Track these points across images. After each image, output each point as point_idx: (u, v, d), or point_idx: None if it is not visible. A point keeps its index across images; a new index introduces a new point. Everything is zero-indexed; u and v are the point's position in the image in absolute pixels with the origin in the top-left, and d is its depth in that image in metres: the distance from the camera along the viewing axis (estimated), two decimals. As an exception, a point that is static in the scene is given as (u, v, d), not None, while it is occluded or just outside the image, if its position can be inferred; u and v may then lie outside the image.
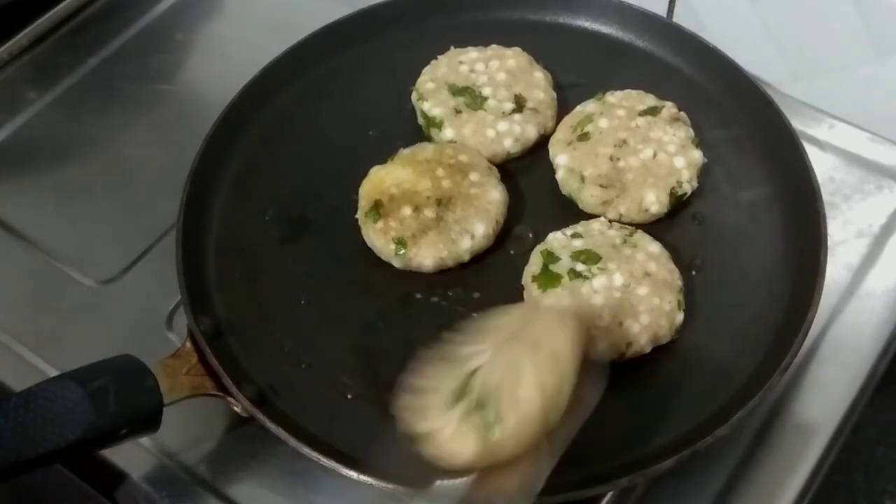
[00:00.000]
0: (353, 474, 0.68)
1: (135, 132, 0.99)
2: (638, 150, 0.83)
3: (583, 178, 0.83)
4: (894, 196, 0.90)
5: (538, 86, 0.89)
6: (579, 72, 0.93)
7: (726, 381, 0.74)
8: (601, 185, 0.82)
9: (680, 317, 0.76)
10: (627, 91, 0.88)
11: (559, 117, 0.89)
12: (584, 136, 0.84)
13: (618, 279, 0.75)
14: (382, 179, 0.83)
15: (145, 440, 0.78)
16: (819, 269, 0.76)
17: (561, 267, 0.76)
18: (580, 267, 0.76)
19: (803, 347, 0.81)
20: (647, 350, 0.74)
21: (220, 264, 0.83)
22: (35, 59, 1.06)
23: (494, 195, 0.82)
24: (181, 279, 0.78)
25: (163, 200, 0.83)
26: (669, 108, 0.86)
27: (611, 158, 0.83)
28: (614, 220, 0.81)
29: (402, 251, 0.80)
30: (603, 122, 0.85)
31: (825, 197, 0.82)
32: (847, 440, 0.79)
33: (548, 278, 0.76)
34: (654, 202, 0.81)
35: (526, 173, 0.88)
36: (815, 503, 0.76)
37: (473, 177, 0.82)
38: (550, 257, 0.77)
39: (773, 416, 0.78)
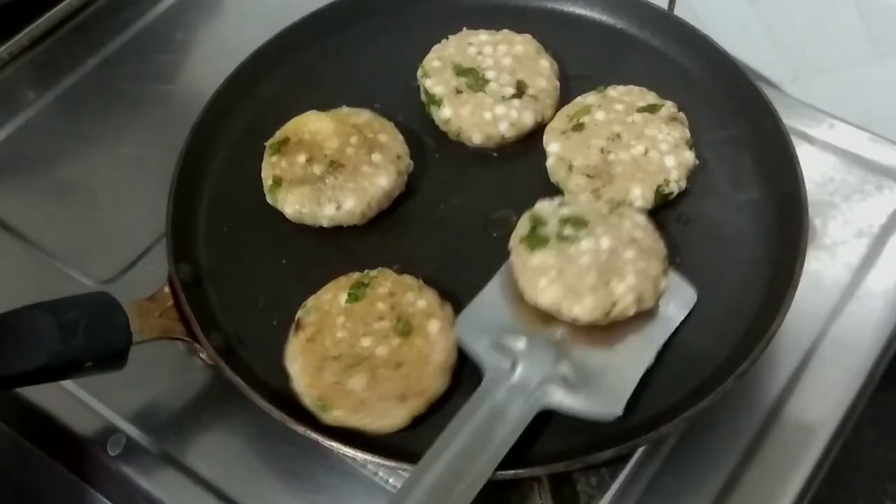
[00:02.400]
0: (299, 429, 0.70)
1: (135, 132, 0.99)
2: (630, 145, 0.83)
3: (571, 167, 0.83)
4: (894, 196, 0.90)
5: (542, 74, 0.89)
6: (588, 64, 0.93)
7: (683, 378, 0.74)
8: (588, 175, 0.82)
9: (664, 283, 0.76)
10: (629, 86, 0.88)
11: (561, 104, 0.89)
12: (578, 127, 0.84)
13: (605, 242, 0.75)
14: (304, 123, 0.85)
15: (144, 439, 0.78)
16: (792, 282, 0.74)
17: (548, 230, 0.76)
18: (568, 231, 0.76)
19: (803, 348, 0.82)
20: (632, 312, 0.74)
21: (210, 216, 0.85)
22: (35, 59, 1.06)
23: (381, 181, 0.82)
24: (168, 225, 0.81)
25: (163, 200, 0.83)
26: (669, 107, 0.86)
27: (602, 150, 0.83)
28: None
29: (275, 191, 0.82)
30: (600, 115, 0.85)
31: (825, 197, 0.82)
32: (847, 440, 0.79)
33: (536, 239, 0.76)
34: (639, 197, 0.81)
35: (518, 158, 0.88)
36: (815, 503, 0.76)
37: (376, 157, 0.82)
38: (538, 221, 0.77)
39: (773, 416, 0.78)
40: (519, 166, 0.87)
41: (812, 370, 0.81)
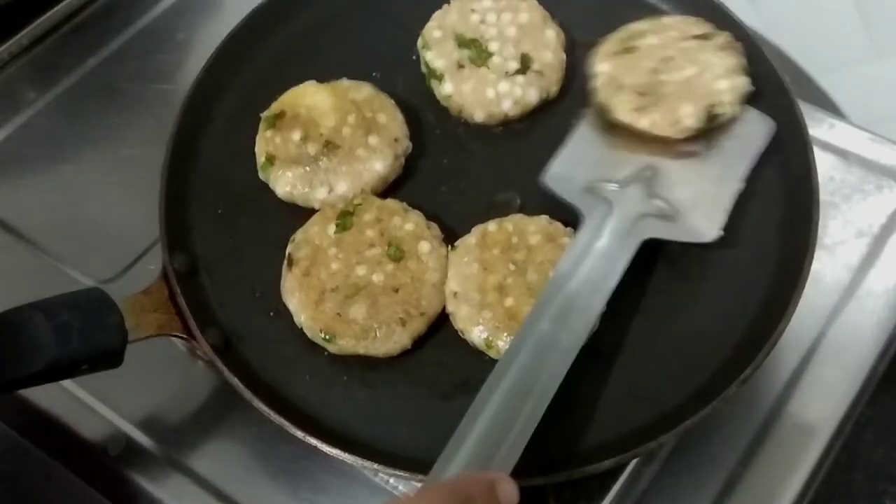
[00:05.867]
0: (298, 433, 0.69)
1: (135, 132, 0.99)
2: (682, 67, 0.80)
3: (620, 86, 0.80)
4: (894, 196, 0.90)
5: (548, 46, 0.86)
6: (597, 29, 0.87)
7: (684, 382, 0.72)
8: (638, 93, 0.79)
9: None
10: (685, 16, 0.85)
11: (567, 79, 0.86)
12: (629, 49, 0.82)
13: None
14: (302, 95, 0.82)
15: (145, 440, 0.78)
16: (797, 286, 0.72)
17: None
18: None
19: (803, 348, 0.82)
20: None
21: (203, 201, 0.82)
22: (35, 59, 1.06)
23: (376, 166, 0.80)
24: (161, 213, 0.79)
25: (163, 200, 0.83)
26: (725, 36, 0.83)
27: (653, 71, 0.81)
28: (644, 130, 0.79)
29: (268, 168, 0.81)
30: (652, 39, 0.82)
31: (825, 197, 0.81)
32: (847, 440, 0.79)
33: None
34: (690, 115, 0.78)
35: (521, 137, 0.85)
36: (814, 503, 0.76)
37: (373, 140, 0.80)
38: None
39: (773, 416, 0.79)
40: (523, 146, 0.84)
41: (812, 370, 0.81)
